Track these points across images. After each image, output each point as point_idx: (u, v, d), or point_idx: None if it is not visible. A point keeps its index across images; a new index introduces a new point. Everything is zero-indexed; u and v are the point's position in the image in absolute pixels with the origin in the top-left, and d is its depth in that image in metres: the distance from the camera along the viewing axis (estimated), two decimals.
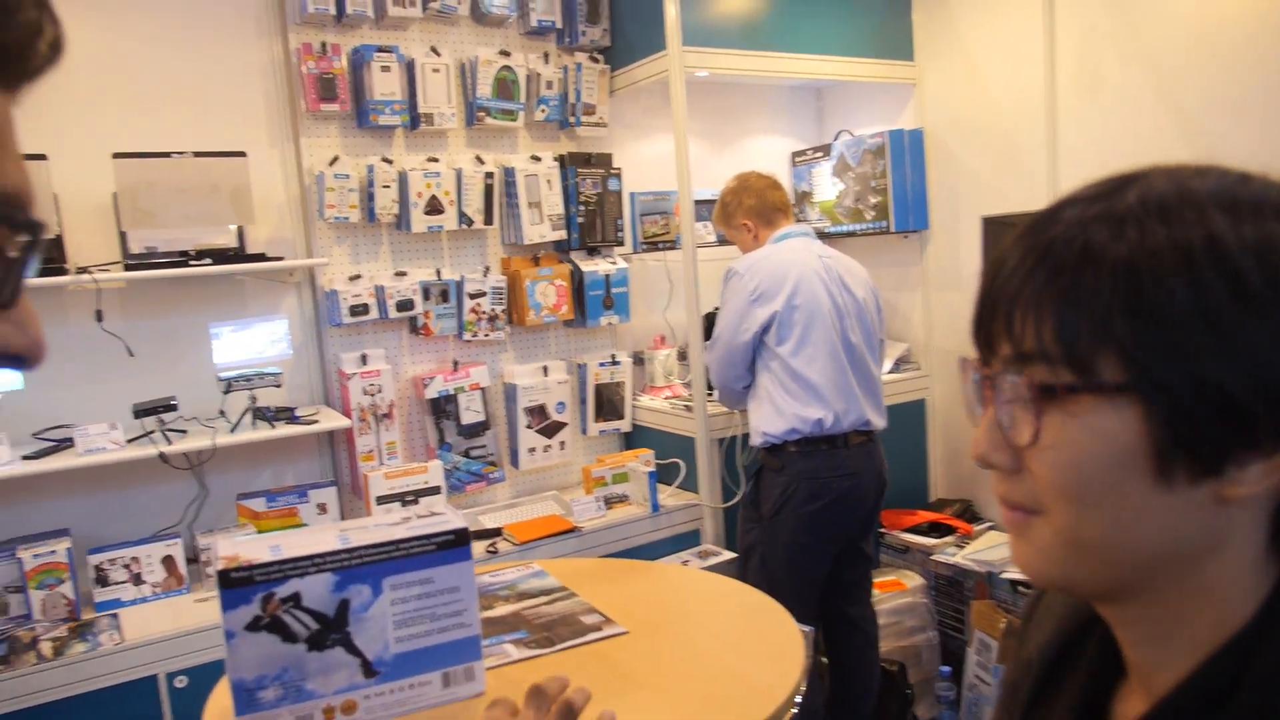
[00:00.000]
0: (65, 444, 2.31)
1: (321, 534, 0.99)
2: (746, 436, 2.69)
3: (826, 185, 3.30)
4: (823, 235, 3.10)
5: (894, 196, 3.08)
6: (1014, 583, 2.72)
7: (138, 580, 2.38)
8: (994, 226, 2.79)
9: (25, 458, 2.24)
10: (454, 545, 0.99)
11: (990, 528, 3.02)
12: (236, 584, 0.91)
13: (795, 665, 1.06)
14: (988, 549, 2.86)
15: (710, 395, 2.81)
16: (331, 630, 0.95)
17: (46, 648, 2.14)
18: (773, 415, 2.43)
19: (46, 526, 2.38)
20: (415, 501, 2.70)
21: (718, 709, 1.00)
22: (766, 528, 2.47)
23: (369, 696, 0.98)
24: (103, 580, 2.34)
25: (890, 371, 3.15)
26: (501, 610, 1.29)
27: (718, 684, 1.06)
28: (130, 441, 2.34)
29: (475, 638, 1.02)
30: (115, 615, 2.30)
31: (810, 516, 2.42)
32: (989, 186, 2.94)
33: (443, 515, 1.04)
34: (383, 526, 1.00)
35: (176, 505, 2.55)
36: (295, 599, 0.93)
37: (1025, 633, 0.68)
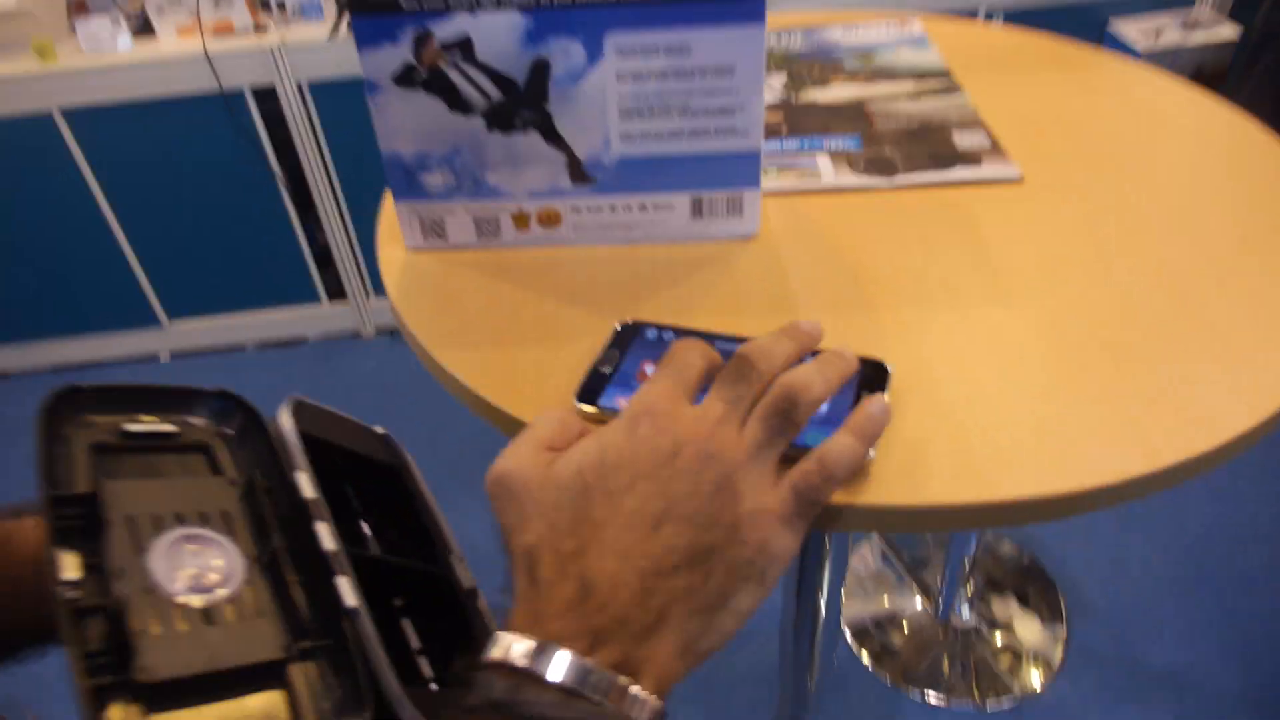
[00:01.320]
0: None
1: None
2: None
3: None
4: None
5: None
6: None
7: None
8: None
9: None
10: None
11: None
12: (373, 8, 0.57)
13: None
14: None
15: None
16: (522, 104, 0.60)
17: None
18: None
19: None
20: None
21: (1150, 389, 0.51)
22: None
23: (579, 210, 0.65)
24: None
25: None
26: (838, 91, 0.85)
27: (1165, 329, 0.55)
28: None
29: (752, 154, 0.62)
30: None
31: None
32: None
33: None
34: None
35: None
36: (465, 48, 0.58)
37: None
